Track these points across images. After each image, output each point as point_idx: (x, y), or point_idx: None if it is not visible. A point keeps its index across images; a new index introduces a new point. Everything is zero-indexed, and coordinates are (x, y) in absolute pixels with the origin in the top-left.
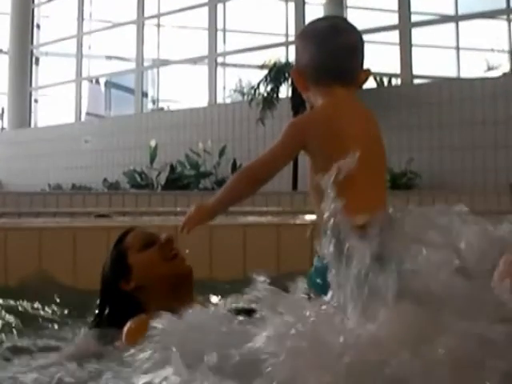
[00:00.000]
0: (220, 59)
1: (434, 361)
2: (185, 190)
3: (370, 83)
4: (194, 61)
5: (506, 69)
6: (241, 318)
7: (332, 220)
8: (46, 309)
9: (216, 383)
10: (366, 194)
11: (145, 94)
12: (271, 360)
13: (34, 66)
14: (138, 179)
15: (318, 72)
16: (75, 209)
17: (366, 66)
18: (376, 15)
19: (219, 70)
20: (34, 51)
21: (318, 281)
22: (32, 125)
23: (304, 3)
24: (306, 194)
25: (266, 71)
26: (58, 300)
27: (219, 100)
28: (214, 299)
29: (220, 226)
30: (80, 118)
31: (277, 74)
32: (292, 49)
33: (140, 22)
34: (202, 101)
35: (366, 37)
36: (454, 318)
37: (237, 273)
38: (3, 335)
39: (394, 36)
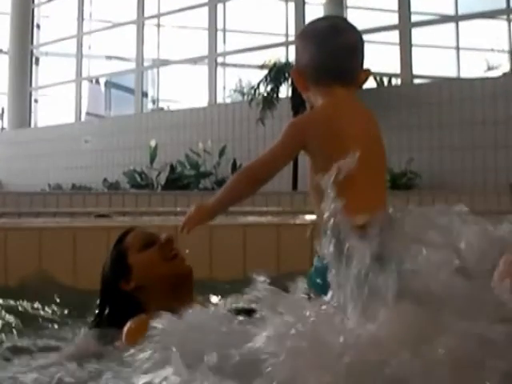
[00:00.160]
0: (220, 59)
1: (434, 361)
2: (185, 190)
3: (370, 83)
4: (194, 61)
5: (506, 69)
6: (241, 318)
7: (332, 220)
8: (46, 309)
9: (216, 383)
10: (366, 193)
11: (145, 94)
12: (271, 360)
13: (34, 66)
14: (138, 179)
15: (317, 72)
16: (75, 209)
17: (366, 65)
18: (376, 15)
19: (219, 69)
20: (34, 51)
21: (318, 281)
22: (32, 125)
23: (304, 3)
24: (305, 194)
25: (265, 71)
26: (57, 300)
27: (219, 100)
28: (214, 299)
29: (220, 226)
30: (80, 118)
31: (277, 73)
32: (292, 49)
33: (140, 22)
34: (201, 101)
35: (365, 37)
36: (453, 317)
37: (237, 273)
38: (3, 335)
39: (394, 36)
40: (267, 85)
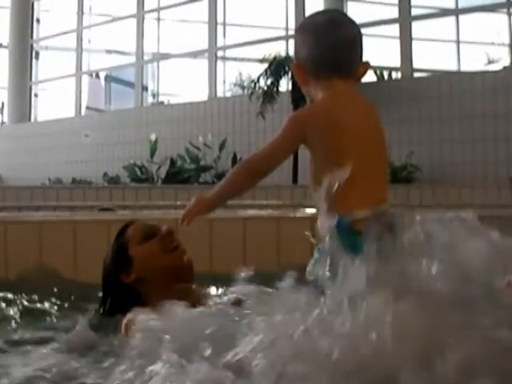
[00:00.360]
0: (220, 53)
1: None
2: (185, 184)
3: (370, 77)
4: (194, 54)
5: (507, 62)
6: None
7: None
8: (46, 301)
9: (207, 373)
10: (366, 187)
11: (145, 88)
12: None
13: (33, 61)
14: (139, 173)
15: (317, 65)
16: (76, 203)
17: (365, 59)
18: (376, 9)
19: (219, 63)
20: (34, 45)
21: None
22: (32, 119)
23: None
24: (306, 188)
25: (266, 65)
26: (57, 293)
27: (219, 94)
28: (214, 291)
29: (220, 219)
30: (80, 112)
31: (277, 67)
32: (292, 42)
33: (140, 16)
34: (202, 95)
35: (366, 30)
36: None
37: (237, 266)
38: (1, 328)
39: (395, 29)
40: (267, 78)
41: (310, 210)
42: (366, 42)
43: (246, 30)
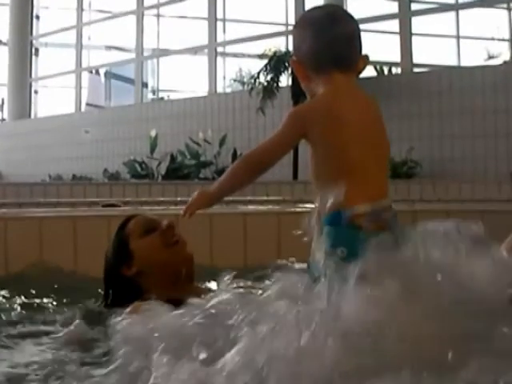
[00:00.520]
0: (220, 49)
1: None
2: (185, 180)
3: (370, 72)
4: (194, 50)
5: (507, 57)
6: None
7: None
8: (45, 297)
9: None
10: (367, 182)
11: (145, 84)
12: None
13: (33, 57)
14: (139, 169)
15: (317, 59)
16: (76, 199)
17: (365, 53)
18: (376, 4)
19: (219, 59)
20: (34, 42)
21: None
22: (32, 116)
23: None
24: (306, 184)
25: (265, 60)
26: (57, 288)
27: (219, 89)
28: (215, 286)
29: (221, 215)
30: (80, 109)
31: (277, 63)
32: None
33: (139, 12)
34: (202, 90)
35: (365, 26)
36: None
37: (237, 261)
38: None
39: (394, 25)
40: (267, 74)
41: (311, 205)
42: (365, 37)
43: (245, 26)
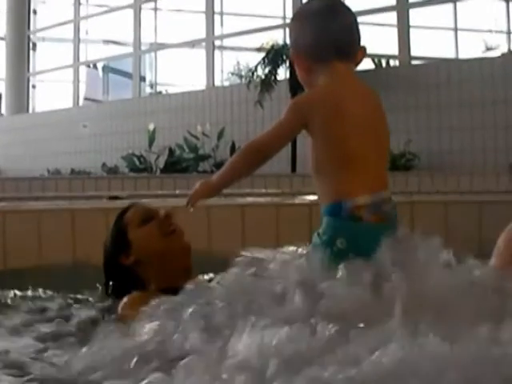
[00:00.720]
0: (217, 42)
1: None
2: (184, 173)
3: (368, 64)
4: (192, 44)
5: (505, 49)
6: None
7: None
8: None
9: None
10: (367, 173)
11: (143, 78)
12: None
13: (31, 52)
14: (137, 163)
15: (319, 50)
16: (74, 193)
17: (363, 45)
18: None
19: (217, 52)
20: (31, 37)
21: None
22: (30, 110)
23: None
24: (304, 177)
25: (263, 54)
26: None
27: (217, 83)
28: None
29: (219, 206)
30: (78, 103)
31: (274, 56)
32: None
33: (137, 6)
34: (199, 84)
35: (363, 18)
36: None
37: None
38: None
39: (392, 17)
40: (265, 67)
41: (309, 198)
42: (363, 30)
43: (243, 19)
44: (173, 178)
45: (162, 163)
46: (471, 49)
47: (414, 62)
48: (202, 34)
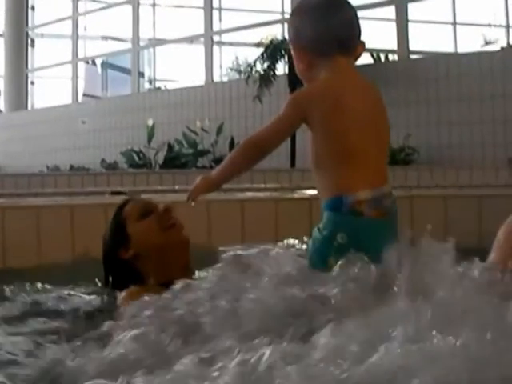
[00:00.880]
0: (216, 38)
1: None
2: (183, 169)
3: (367, 59)
4: (190, 40)
5: (503, 43)
6: None
7: None
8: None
9: None
10: (368, 168)
11: (141, 74)
12: None
13: (29, 48)
14: (136, 159)
15: (321, 44)
16: (74, 189)
17: (362, 40)
18: None
19: (215, 48)
20: (30, 33)
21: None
22: (29, 107)
23: None
24: (304, 171)
25: (262, 49)
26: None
27: (216, 78)
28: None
29: (218, 201)
30: (77, 99)
31: (273, 51)
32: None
33: (135, 2)
34: (198, 79)
35: (362, 13)
36: None
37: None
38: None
39: (391, 12)
40: (264, 62)
41: (309, 192)
42: (362, 24)
43: (241, 15)
44: (172, 174)
45: (161, 159)
46: (470, 43)
47: (413, 57)
48: (201, 30)
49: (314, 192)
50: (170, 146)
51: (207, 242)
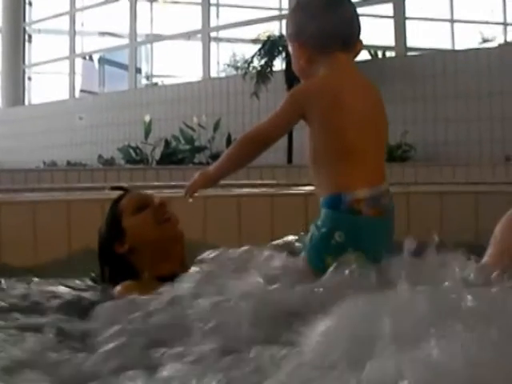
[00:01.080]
0: (213, 34)
1: None
2: (180, 165)
3: (365, 56)
4: (188, 36)
5: (501, 41)
6: None
7: None
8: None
9: None
10: (366, 166)
11: (138, 70)
12: None
13: (26, 44)
14: (133, 155)
15: (323, 40)
16: (70, 184)
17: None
18: None
19: (213, 44)
20: (27, 28)
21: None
22: (26, 102)
23: None
24: (301, 168)
25: (259, 45)
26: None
27: (213, 74)
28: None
29: (215, 197)
30: (74, 95)
31: (271, 47)
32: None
33: None
34: (195, 75)
35: (359, 10)
36: None
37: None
38: None
39: (388, 8)
40: (261, 58)
41: (305, 188)
42: (360, 21)
43: (239, 11)
44: (169, 170)
45: (158, 155)
46: (467, 40)
47: (410, 53)
48: (198, 26)
49: (310, 188)
50: (167, 142)
51: (203, 237)
